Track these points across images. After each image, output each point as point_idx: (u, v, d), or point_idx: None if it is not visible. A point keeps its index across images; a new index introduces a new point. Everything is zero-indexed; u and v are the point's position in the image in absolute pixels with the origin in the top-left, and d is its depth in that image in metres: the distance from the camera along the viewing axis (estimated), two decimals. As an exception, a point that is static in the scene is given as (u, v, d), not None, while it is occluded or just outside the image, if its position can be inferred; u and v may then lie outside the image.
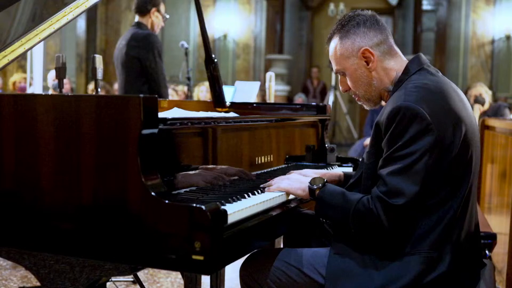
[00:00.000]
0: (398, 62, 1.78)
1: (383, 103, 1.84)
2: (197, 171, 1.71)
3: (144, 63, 4.02)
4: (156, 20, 4.19)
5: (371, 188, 1.65)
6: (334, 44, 1.81)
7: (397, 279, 1.59)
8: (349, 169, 2.47)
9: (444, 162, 1.59)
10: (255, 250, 1.81)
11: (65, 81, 2.58)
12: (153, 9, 4.16)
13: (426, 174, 1.56)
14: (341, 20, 1.82)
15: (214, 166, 1.81)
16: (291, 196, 1.82)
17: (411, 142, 1.56)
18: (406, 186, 1.55)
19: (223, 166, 1.84)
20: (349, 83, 1.82)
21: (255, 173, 2.04)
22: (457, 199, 1.62)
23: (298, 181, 1.81)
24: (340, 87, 1.88)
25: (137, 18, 4.22)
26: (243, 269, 1.84)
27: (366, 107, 1.88)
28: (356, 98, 1.87)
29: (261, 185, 1.82)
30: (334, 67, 1.85)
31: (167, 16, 4.33)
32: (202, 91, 7.62)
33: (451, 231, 1.61)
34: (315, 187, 1.73)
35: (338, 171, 2.08)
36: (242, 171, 1.93)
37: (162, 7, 4.23)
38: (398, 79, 1.75)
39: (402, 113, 1.57)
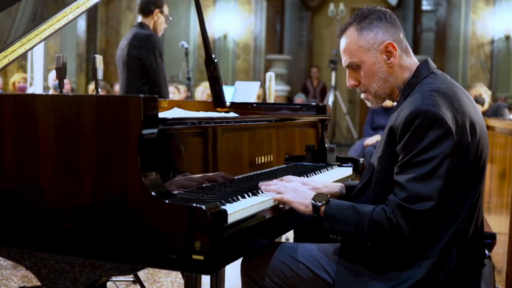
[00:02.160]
0: (412, 62, 1.75)
1: (387, 103, 1.82)
2: (197, 171, 1.71)
3: (145, 63, 4.02)
4: (159, 21, 4.16)
5: (381, 194, 1.62)
6: (351, 36, 1.73)
7: (402, 282, 1.58)
8: (349, 169, 2.48)
9: (461, 166, 1.57)
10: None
11: (65, 81, 2.58)
12: (156, 10, 4.12)
13: (447, 179, 1.53)
14: (360, 13, 1.75)
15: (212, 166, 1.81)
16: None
17: (431, 147, 1.53)
18: (428, 192, 1.52)
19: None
20: (362, 77, 1.74)
21: (255, 173, 2.04)
22: (469, 202, 1.61)
23: (301, 195, 1.71)
24: (348, 82, 1.79)
25: (140, 19, 4.19)
26: (245, 261, 1.81)
27: (370, 104, 1.80)
28: (364, 95, 1.78)
29: (260, 185, 1.76)
30: (348, 60, 1.75)
31: (170, 18, 4.30)
32: (202, 92, 7.61)
33: (459, 234, 1.60)
34: (319, 204, 1.66)
35: (338, 183, 1.99)
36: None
37: (165, 9, 4.17)
38: (409, 82, 1.71)
39: (422, 117, 1.53)
